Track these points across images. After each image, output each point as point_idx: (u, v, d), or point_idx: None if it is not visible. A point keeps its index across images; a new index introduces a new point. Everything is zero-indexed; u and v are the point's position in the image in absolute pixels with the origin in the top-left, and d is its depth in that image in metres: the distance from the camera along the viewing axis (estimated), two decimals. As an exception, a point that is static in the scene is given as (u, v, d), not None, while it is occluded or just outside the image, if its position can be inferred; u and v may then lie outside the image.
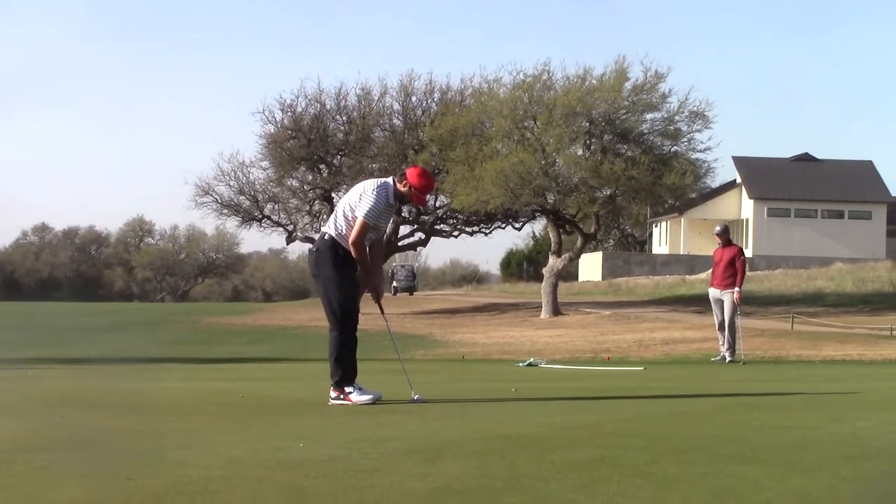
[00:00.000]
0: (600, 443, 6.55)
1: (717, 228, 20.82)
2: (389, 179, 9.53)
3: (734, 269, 20.14)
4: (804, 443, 6.56)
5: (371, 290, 9.71)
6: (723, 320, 20.24)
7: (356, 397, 9.29)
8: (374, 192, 9.27)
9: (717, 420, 8.16)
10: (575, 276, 72.43)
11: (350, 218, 9.29)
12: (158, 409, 9.17)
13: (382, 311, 10.06)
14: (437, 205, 48.56)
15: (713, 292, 20.57)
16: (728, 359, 20.11)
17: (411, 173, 9.46)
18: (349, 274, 9.36)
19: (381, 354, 20.42)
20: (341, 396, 9.34)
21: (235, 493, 4.93)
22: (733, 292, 20.05)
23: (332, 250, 9.33)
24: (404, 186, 9.39)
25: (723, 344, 20.42)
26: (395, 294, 68.05)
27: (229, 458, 5.95)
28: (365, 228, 9.23)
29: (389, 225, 11.53)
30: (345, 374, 9.32)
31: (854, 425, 7.62)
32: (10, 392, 12.11)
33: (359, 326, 9.45)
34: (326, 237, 9.40)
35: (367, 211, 9.20)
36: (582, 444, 6.53)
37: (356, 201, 9.30)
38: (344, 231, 9.30)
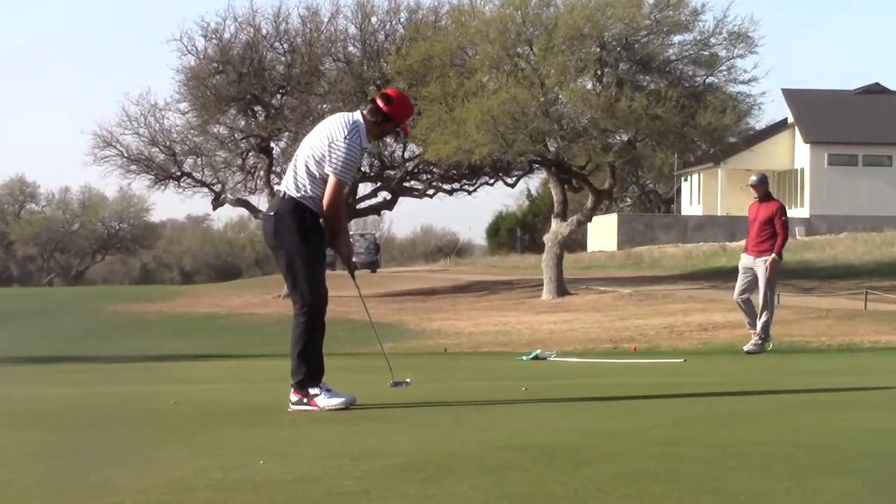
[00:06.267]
0: (648, 453, 6.57)
1: (753, 179, 20.45)
2: (358, 115, 9.40)
3: (773, 230, 19.86)
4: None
5: (345, 263, 9.67)
6: (743, 291, 19.99)
7: (324, 401, 9.21)
8: (347, 140, 9.08)
9: (789, 422, 8.19)
10: (583, 246, 72.63)
11: (318, 174, 9.19)
12: (68, 420, 9.13)
13: (358, 288, 10.04)
14: (407, 156, 48.47)
15: (744, 259, 20.22)
16: (751, 344, 19.78)
17: (383, 99, 9.34)
18: (318, 243, 9.28)
19: (339, 348, 20.32)
20: (304, 401, 9.26)
21: (185, 524, 4.93)
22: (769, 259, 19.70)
23: (296, 214, 9.19)
24: (376, 119, 9.33)
25: (749, 324, 20.15)
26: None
27: (170, 479, 5.95)
28: (341, 188, 9.16)
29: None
30: (309, 371, 9.23)
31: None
32: None
33: None
34: (286, 198, 9.27)
35: (342, 166, 9.10)
36: (624, 454, 6.55)
37: (324, 151, 9.13)
38: (309, 190, 9.17)
